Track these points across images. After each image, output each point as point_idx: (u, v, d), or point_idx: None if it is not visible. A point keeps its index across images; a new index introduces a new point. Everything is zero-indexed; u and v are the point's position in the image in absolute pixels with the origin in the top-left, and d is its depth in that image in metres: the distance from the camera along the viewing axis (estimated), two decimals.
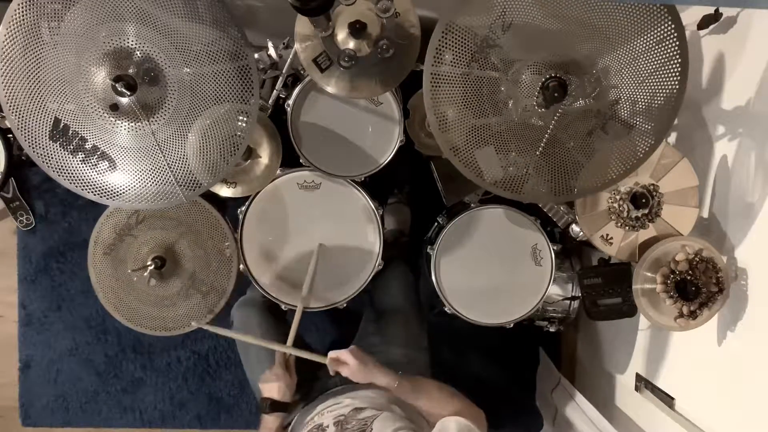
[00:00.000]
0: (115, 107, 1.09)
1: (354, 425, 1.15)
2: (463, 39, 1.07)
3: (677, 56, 1.05)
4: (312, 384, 1.44)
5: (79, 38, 1.07)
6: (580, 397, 1.80)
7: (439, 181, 1.52)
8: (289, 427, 1.38)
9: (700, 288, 1.24)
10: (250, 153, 1.44)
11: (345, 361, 1.24)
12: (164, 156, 1.16)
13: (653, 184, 1.32)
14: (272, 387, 1.33)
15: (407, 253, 1.96)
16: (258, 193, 1.49)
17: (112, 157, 1.15)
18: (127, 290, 1.53)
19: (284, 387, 1.32)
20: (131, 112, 1.11)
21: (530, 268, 1.57)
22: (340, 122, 1.47)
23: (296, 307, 1.54)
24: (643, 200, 1.31)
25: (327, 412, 1.25)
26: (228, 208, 1.52)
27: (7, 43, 1.05)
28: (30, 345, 2.27)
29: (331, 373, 1.27)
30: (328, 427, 1.17)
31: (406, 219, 2.04)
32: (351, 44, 1.16)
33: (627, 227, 1.34)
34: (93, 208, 1.37)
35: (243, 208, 1.50)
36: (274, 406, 1.32)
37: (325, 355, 1.27)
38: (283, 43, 1.46)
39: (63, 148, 1.13)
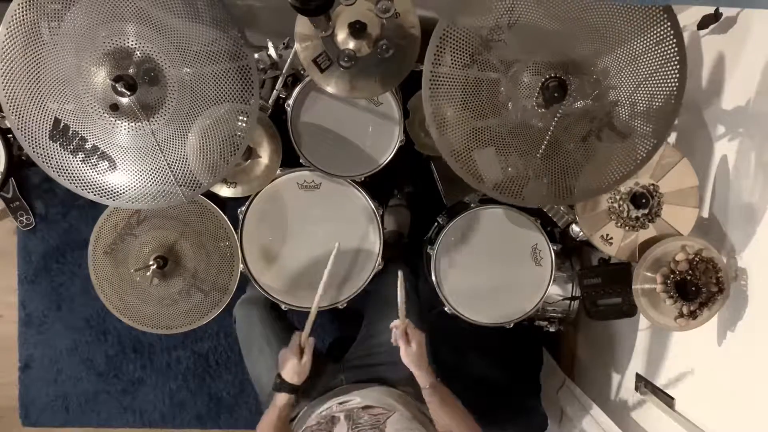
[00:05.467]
0: (115, 107, 1.09)
1: (366, 419, 1.16)
2: (463, 40, 1.07)
3: (675, 57, 1.05)
4: (315, 383, 1.44)
5: (79, 38, 1.07)
6: (585, 398, 1.79)
7: (439, 181, 1.52)
8: (294, 421, 1.38)
9: (700, 288, 1.24)
10: (250, 153, 1.44)
11: (413, 338, 1.28)
12: (164, 156, 1.16)
13: (653, 184, 1.32)
14: (284, 365, 1.35)
15: (407, 253, 1.96)
16: (258, 193, 1.49)
17: (112, 157, 1.15)
18: (128, 289, 1.53)
19: (294, 367, 1.33)
20: (131, 112, 1.11)
21: (530, 268, 1.57)
22: (340, 122, 1.47)
23: (296, 307, 1.55)
24: (643, 200, 1.31)
25: (336, 405, 1.26)
26: (228, 208, 1.52)
27: (7, 43, 1.05)
28: (30, 345, 2.27)
29: (392, 339, 1.32)
30: (339, 419, 1.17)
31: (406, 220, 2.04)
32: (351, 44, 1.15)
33: (627, 227, 1.34)
34: (93, 208, 1.37)
35: (243, 208, 1.50)
36: (282, 385, 1.33)
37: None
38: (283, 43, 1.46)
39: (63, 148, 1.13)
